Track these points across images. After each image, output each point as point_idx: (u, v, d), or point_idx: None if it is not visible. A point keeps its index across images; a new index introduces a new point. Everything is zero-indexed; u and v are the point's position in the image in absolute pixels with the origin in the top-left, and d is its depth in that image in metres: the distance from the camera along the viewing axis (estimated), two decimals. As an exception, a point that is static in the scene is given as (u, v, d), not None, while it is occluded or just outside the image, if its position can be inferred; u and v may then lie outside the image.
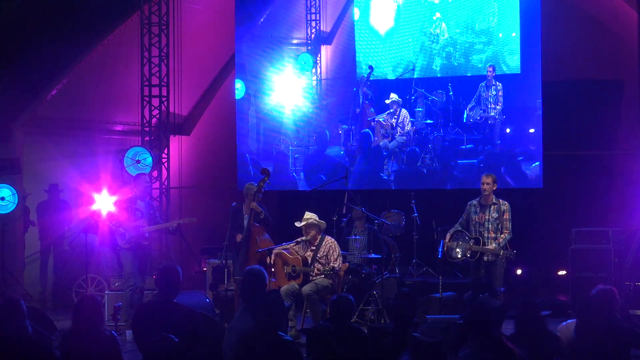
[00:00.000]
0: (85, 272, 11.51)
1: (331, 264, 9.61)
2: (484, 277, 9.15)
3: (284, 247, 9.93)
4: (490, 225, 9.47)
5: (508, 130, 12.00)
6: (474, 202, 9.66)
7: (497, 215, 9.44)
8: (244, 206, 10.54)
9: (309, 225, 9.71)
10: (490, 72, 12.06)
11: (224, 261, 10.62)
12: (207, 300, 10.65)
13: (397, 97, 12.50)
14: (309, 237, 9.77)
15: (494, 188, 9.57)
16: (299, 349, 5.81)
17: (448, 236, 9.64)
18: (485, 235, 9.47)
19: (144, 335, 6.07)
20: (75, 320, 5.90)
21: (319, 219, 9.93)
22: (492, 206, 9.50)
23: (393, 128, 12.54)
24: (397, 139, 12.51)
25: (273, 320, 5.75)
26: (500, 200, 9.56)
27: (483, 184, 9.55)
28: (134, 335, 6.21)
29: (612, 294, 6.35)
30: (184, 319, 6.08)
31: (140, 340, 6.15)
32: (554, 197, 12.84)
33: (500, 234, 9.43)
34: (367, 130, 12.73)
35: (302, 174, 13.11)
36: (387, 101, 12.56)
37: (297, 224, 9.81)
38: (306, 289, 9.47)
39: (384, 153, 12.59)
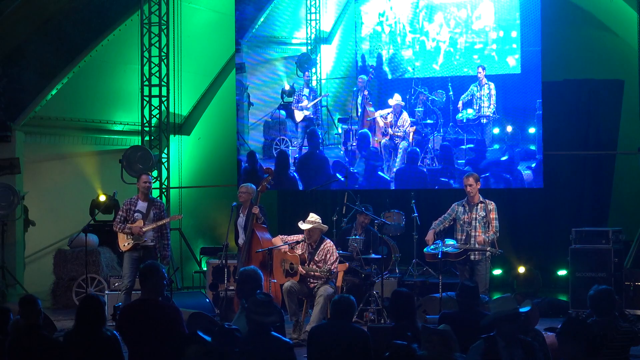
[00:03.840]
0: (85, 272, 11.52)
1: (327, 266, 9.60)
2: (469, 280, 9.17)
3: (284, 246, 9.93)
4: (477, 224, 9.49)
5: (509, 130, 12.00)
6: (462, 202, 9.68)
7: (485, 214, 9.47)
8: (241, 207, 10.57)
9: (313, 230, 9.69)
10: (480, 72, 12.06)
11: (223, 261, 10.64)
12: (207, 300, 10.67)
13: (400, 100, 12.47)
14: (310, 241, 9.76)
15: (478, 187, 9.59)
16: (293, 349, 5.85)
17: (432, 233, 9.67)
18: (473, 233, 9.50)
19: (130, 334, 6.11)
20: (77, 320, 5.91)
21: (320, 219, 9.90)
22: (479, 205, 9.54)
23: (391, 126, 12.53)
24: (399, 143, 12.51)
25: (265, 321, 5.78)
26: (487, 200, 9.58)
27: (466, 185, 9.57)
28: (121, 335, 6.23)
29: (609, 294, 6.36)
30: (168, 317, 6.11)
31: (125, 338, 6.18)
32: (554, 197, 12.84)
33: (489, 232, 9.45)
34: (365, 130, 12.73)
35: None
36: (390, 101, 12.55)
37: (302, 226, 9.77)
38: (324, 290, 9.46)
39: (388, 151, 12.58)
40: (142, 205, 10.13)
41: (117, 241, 10.21)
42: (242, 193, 10.59)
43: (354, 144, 12.82)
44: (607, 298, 6.32)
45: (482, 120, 12.09)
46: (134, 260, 10.00)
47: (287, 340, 5.89)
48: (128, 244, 9.99)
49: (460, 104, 12.14)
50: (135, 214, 10.05)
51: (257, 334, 5.76)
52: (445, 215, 9.78)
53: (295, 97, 13.18)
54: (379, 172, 12.58)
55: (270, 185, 10.80)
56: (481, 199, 9.57)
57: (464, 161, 12.16)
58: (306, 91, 13.14)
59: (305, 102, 13.12)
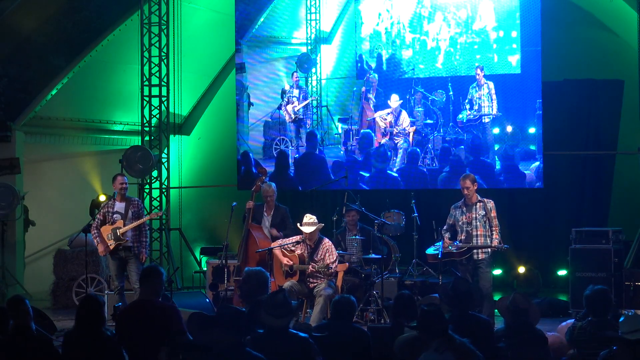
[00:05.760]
0: (85, 272, 11.52)
1: (325, 263, 9.61)
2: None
3: (284, 246, 9.94)
4: (478, 223, 9.48)
5: (509, 130, 12.01)
6: (458, 204, 9.68)
7: (484, 213, 9.46)
8: (265, 208, 10.74)
9: (314, 231, 9.71)
10: (478, 73, 12.06)
11: (223, 261, 10.66)
12: (207, 300, 10.66)
13: (398, 99, 12.49)
14: (310, 242, 9.77)
15: (475, 187, 9.57)
16: (313, 345, 5.83)
17: (447, 238, 9.65)
18: (474, 233, 9.48)
19: (127, 334, 6.10)
20: (77, 321, 5.91)
21: (318, 219, 9.91)
22: (478, 204, 9.53)
23: (392, 126, 12.54)
24: (399, 143, 12.52)
25: (284, 319, 5.76)
26: (485, 199, 9.58)
27: (463, 188, 9.55)
28: (118, 334, 6.23)
29: (605, 294, 6.36)
30: (166, 317, 6.10)
31: (123, 339, 6.17)
32: (554, 197, 12.84)
33: (492, 231, 9.44)
34: (367, 130, 12.74)
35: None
36: (389, 102, 12.57)
37: (305, 229, 9.75)
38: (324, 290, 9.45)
39: (390, 152, 12.57)
40: (119, 205, 10.21)
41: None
42: (272, 195, 10.71)
43: (354, 143, 12.82)
44: (603, 298, 6.32)
45: (483, 120, 12.09)
46: (118, 261, 10.14)
47: (304, 335, 5.87)
48: (110, 245, 10.04)
49: (467, 110, 12.14)
50: (115, 215, 10.14)
51: (274, 333, 5.75)
52: (448, 224, 9.76)
53: (285, 98, 13.20)
54: (388, 171, 12.57)
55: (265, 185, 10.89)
56: (479, 198, 9.56)
57: (463, 160, 12.17)
58: (295, 92, 13.15)
59: (295, 103, 13.13)
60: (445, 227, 9.78)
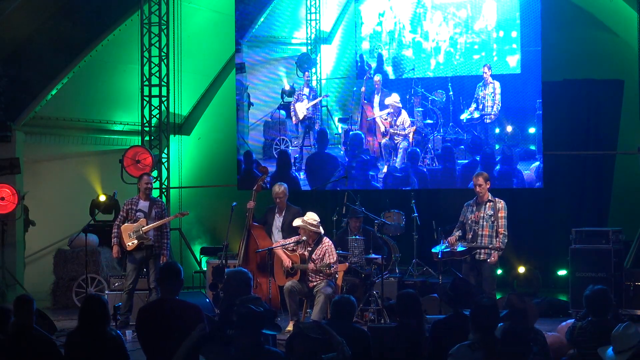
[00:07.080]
0: (85, 272, 11.52)
1: (325, 262, 9.61)
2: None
3: (284, 246, 9.94)
4: (485, 223, 9.48)
5: (509, 130, 12.00)
6: (470, 202, 9.69)
7: (493, 213, 9.45)
8: (277, 209, 10.72)
9: (304, 229, 9.70)
10: (486, 72, 12.06)
11: (223, 261, 10.66)
12: (207, 300, 10.67)
13: (397, 99, 12.49)
14: (308, 240, 9.77)
15: (488, 186, 9.57)
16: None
17: (454, 239, 9.62)
18: (480, 232, 9.48)
19: (148, 334, 6.08)
20: (81, 320, 5.89)
21: (320, 219, 9.88)
22: (488, 203, 9.53)
23: (391, 127, 12.55)
24: (399, 142, 12.52)
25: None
26: (496, 199, 9.57)
27: (476, 185, 9.56)
28: (138, 334, 6.21)
29: (605, 294, 6.35)
30: (187, 315, 6.08)
31: (143, 339, 6.14)
32: (554, 197, 12.84)
33: (496, 235, 9.42)
34: (357, 131, 12.74)
35: (302, 173, 13.11)
36: (386, 101, 12.57)
37: (294, 223, 9.80)
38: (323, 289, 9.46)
39: (388, 151, 12.58)
40: (143, 204, 10.23)
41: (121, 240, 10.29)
42: (283, 196, 10.63)
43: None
44: (603, 298, 6.32)
45: (485, 120, 12.09)
46: (137, 261, 10.11)
47: (279, 352, 5.77)
48: (132, 243, 10.04)
49: (472, 108, 12.12)
50: (138, 213, 10.17)
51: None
52: (460, 221, 9.76)
53: (295, 96, 13.19)
54: (370, 172, 12.59)
55: (266, 184, 10.86)
56: (490, 198, 9.56)
57: (464, 161, 12.16)
58: (306, 91, 13.14)
59: (305, 102, 13.12)
60: (456, 225, 9.77)
